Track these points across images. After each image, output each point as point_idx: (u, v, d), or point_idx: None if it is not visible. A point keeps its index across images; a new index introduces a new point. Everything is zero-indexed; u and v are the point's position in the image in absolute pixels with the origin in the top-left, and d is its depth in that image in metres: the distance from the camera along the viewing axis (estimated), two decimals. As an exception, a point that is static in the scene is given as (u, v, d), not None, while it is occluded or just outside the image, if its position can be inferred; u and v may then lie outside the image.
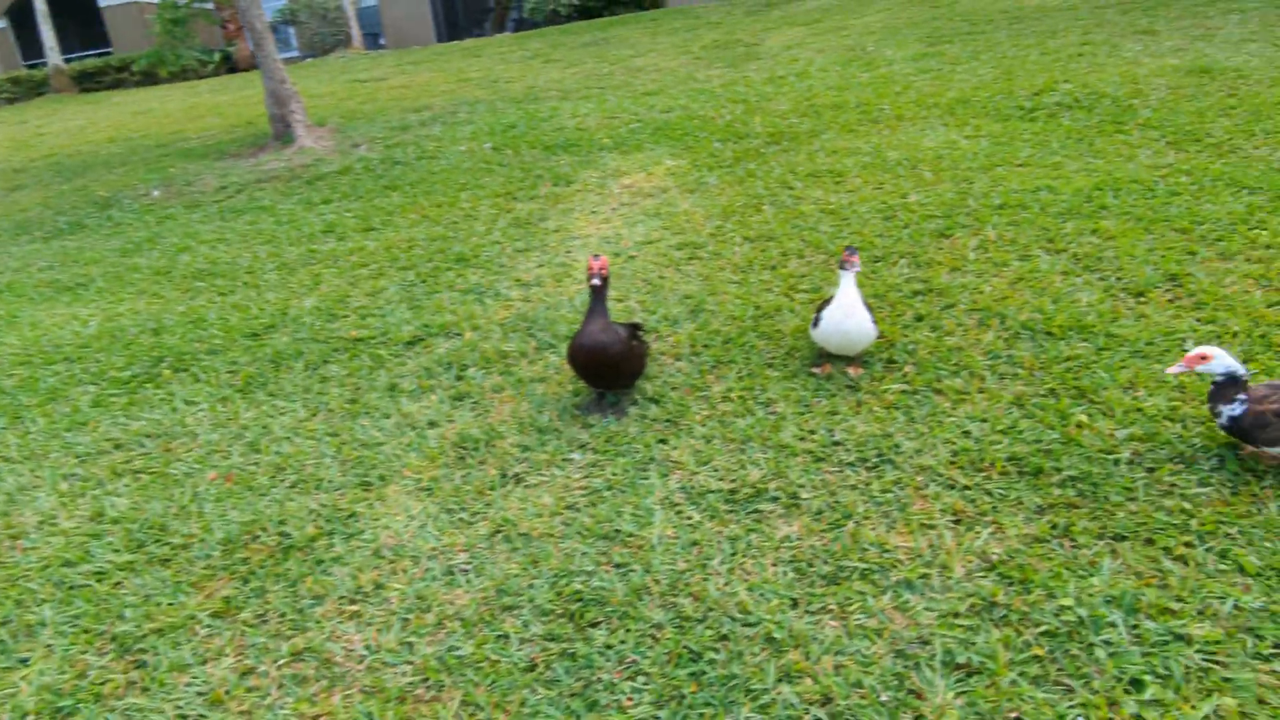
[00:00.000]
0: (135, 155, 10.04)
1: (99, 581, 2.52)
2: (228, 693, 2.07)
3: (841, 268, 2.89)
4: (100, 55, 23.89)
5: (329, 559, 2.48)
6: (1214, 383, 2.27)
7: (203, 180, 7.93)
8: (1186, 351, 2.43)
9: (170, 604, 2.37)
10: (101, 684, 2.14)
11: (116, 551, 2.63)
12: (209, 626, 2.28)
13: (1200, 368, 2.26)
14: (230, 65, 21.55)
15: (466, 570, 2.38)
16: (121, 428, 3.41)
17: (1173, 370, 2.33)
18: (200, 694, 2.08)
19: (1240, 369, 2.23)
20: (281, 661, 2.14)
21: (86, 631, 2.31)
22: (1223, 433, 2.35)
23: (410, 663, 2.09)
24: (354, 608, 2.29)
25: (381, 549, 2.50)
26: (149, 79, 20.69)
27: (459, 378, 3.45)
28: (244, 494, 2.85)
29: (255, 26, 8.42)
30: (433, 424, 3.14)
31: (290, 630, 2.23)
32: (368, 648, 2.15)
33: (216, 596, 2.38)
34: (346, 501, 2.74)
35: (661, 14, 16.68)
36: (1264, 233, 3.51)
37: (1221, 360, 2.22)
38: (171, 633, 2.27)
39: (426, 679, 2.04)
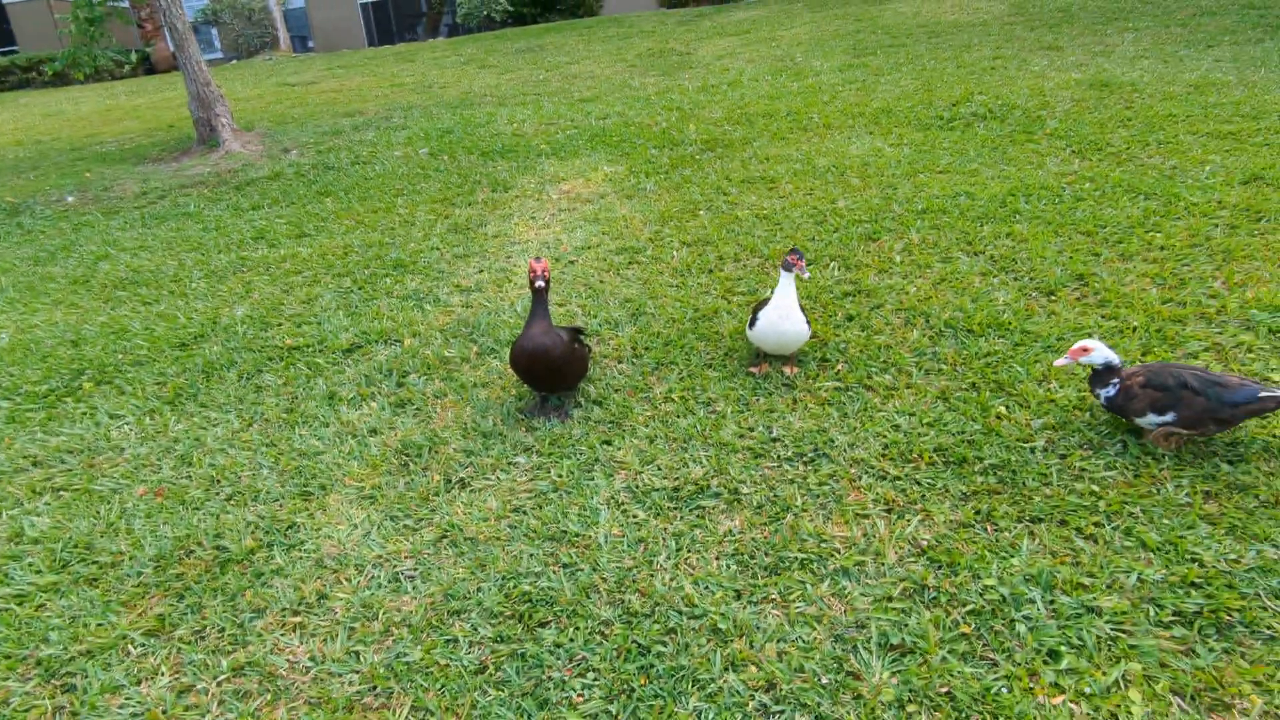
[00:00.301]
0: (46, 160, 9.52)
1: (19, 604, 2.40)
2: (164, 712, 2.01)
3: (784, 268, 2.95)
4: (5, 54, 22.53)
5: (269, 571, 2.43)
6: (1094, 370, 2.51)
7: (121, 185, 7.59)
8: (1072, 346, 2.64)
9: (99, 624, 2.29)
10: (26, 711, 2.05)
11: (39, 573, 2.52)
12: (142, 646, 2.21)
13: (1083, 359, 2.49)
14: (148, 66, 20.63)
15: (413, 577, 2.37)
16: (39, 444, 3.25)
17: (1059, 363, 2.56)
18: (134, 715, 2.01)
19: (1116, 359, 2.47)
20: (222, 677, 2.09)
21: (8, 657, 2.21)
22: (1105, 411, 2.60)
23: (357, 671, 2.08)
24: (297, 619, 2.25)
25: (324, 559, 2.47)
26: (60, 79, 19.61)
27: (400, 384, 3.42)
28: (176, 508, 2.76)
29: (176, 27, 8.12)
30: (374, 431, 3.10)
31: (230, 645, 2.19)
32: (313, 659, 2.12)
33: (149, 614, 2.31)
34: (286, 512, 2.69)
35: (595, 22, 16.77)
36: (1159, 235, 3.79)
37: (1100, 352, 2.47)
38: (102, 654, 2.19)
39: (374, 687, 2.03)
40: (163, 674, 2.11)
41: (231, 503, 2.77)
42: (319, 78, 14.03)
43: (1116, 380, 2.46)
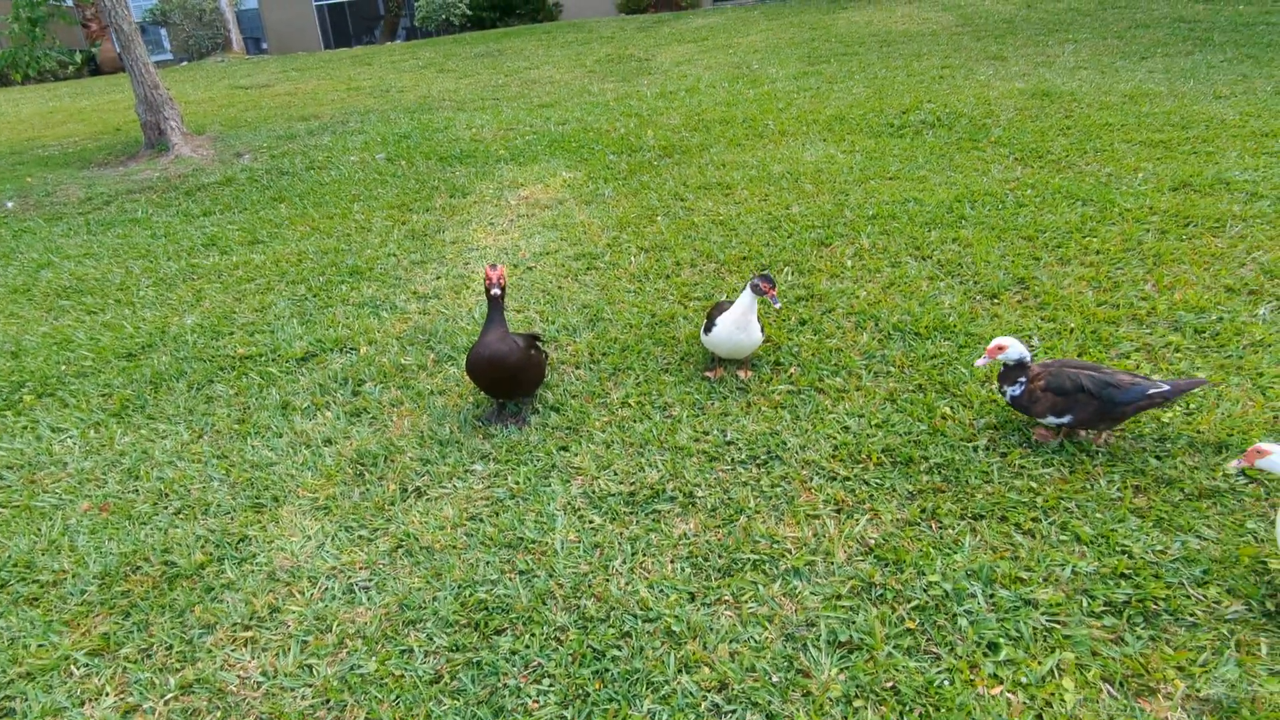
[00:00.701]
0: (-18, 164, 9.18)
1: (-44, 627, 2.33)
2: (110, 732, 1.97)
3: (752, 290, 2.93)
4: (-65, 53, 21.61)
5: (220, 586, 2.40)
6: (1005, 366, 2.61)
7: (65, 190, 7.36)
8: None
9: (40, 645, 2.23)
10: (-37, 736, 1.99)
11: (-24, 593, 2.44)
12: (86, 666, 2.16)
13: (1000, 356, 2.60)
14: (94, 67, 20.01)
15: (367, 587, 2.36)
16: (-24, 461, 3.15)
17: (979, 363, 2.66)
18: (79, 736, 1.97)
19: (1028, 355, 2.59)
20: (169, 696, 2.05)
21: (-57, 681, 2.14)
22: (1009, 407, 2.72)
23: (310, 685, 2.06)
24: (248, 634, 2.23)
25: (277, 572, 2.44)
26: (-4, 80, 18.91)
27: (355, 393, 3.39)
28: (122, 524, 2.70)
29: (122, 28, 7.92)
30: (329, 441, 3.08)
31: (178, 663, 2.15)
32: (264, 673, 2.10)
33: (94, 634, 2.26)
34: (237, 525, 2.65)
35: (555, 27, 16.77)
36: (1095, 240, 3.95)
37: (1015, 349, 2.58)
38: (43, 676, 2.13)
39: (328, 700, 2.02)
40: (107, 694, 2.07)
41: (180, 517, 2.73)
42: (273, 80, 13.77)
43: (1023, 379, 2.57)
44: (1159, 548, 2.20)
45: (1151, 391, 2.42)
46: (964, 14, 11.44)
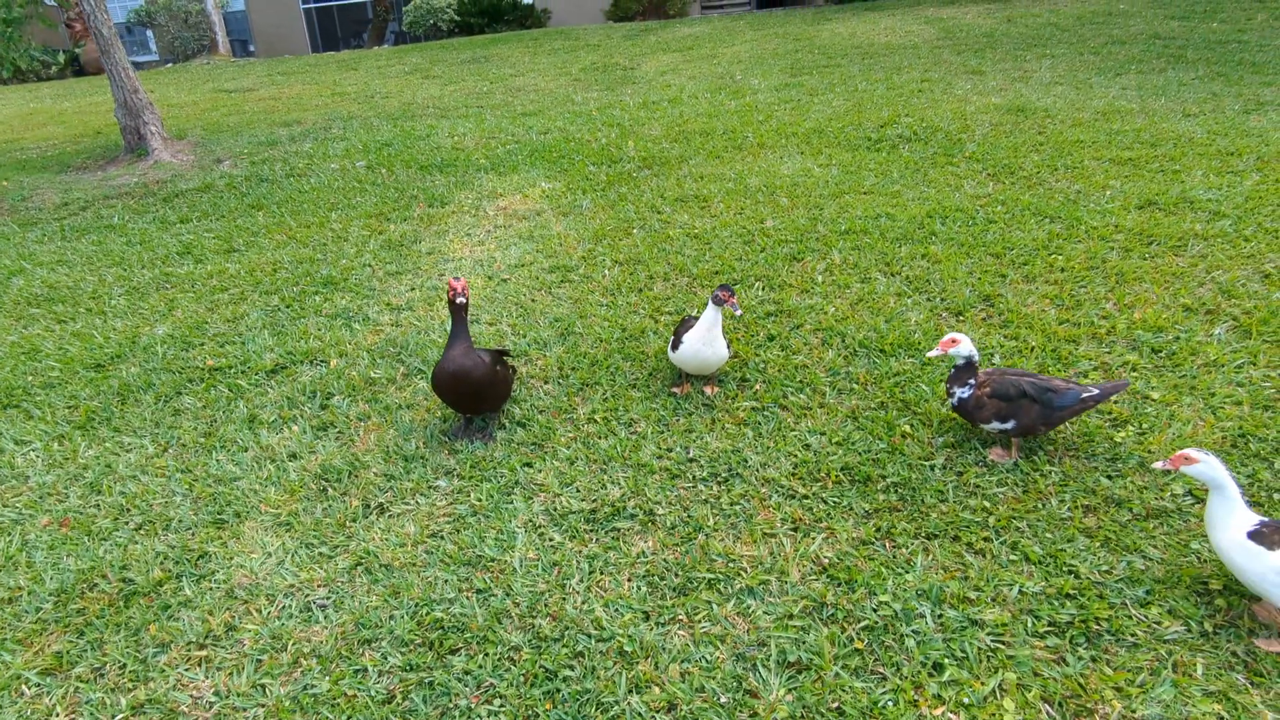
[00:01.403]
0: (-42, 167, 9.10)
1: (-92, 645, 2.32)
2: (59, 753, 1.97)
3: (714, 302, 2.97)
4: (-84, 51, 21.40)
5: (176, 603, 2.40)
6: (955, 366, 2.70)
7: (41, 195, 7.32)
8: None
9: (-7, 663, 2.22)
10: (-90, 757, 1.98)
11: (-71, 611, 2.43)
12: (37, 685, 2.15)
13: (952, 350, 2.67)
14: (77, 68, 19.87)
15: (325, 606, 2.36)
16: (-63, 474, 3.13)
17: (932, 353, 2.73)
18: (27, 757, 1.97)
19: (976, 356, 2.68)
20: (120, 716, 2.05)
21: (-108, 701, 2.13)
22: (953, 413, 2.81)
23: (263, 705, 2.06)
24: (203, 653, 2.23)
25: (235, 589, 2.44)
26: (-23, 80, 18.72)
27: (323, 407, 3.40)
28: (82, 539, 2.70)
29: (102, 33, 7.88)
30: (294, 456, 3.08)
31: (131, 682, 2.15)
32: (217, 693, 2.10)
33: (47, 652, 2.25)
34: (198, 541, 2.65)
35: (542, 34, 16.81)
36: (1060, 257, 4.01)
37: (966, 345, 2.66)
38: (-6, 694, 2.13)
39: None
40: (58, 714, 2.06)
41: (141, 532, 2.72)
42: (258, 84, 13.73)
43: (972, 381, 2.66)
44: (1105, 567, 2.24)
45: (1084, 395, 2.55)
46: (945, 28, 11.56)
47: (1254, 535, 1.93)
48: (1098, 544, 2.33)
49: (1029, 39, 10.03)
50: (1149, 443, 2.70)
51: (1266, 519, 1.97)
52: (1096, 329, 3.38)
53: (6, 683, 2.15)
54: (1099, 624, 2.07)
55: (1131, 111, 6.33)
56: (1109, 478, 2.57)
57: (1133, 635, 2.04)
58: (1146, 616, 2.09)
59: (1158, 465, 2.10)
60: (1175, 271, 3.79)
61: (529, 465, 2.91)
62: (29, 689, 2.14)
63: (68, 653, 2.24)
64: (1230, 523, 1.97)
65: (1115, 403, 2.91)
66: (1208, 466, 2.00)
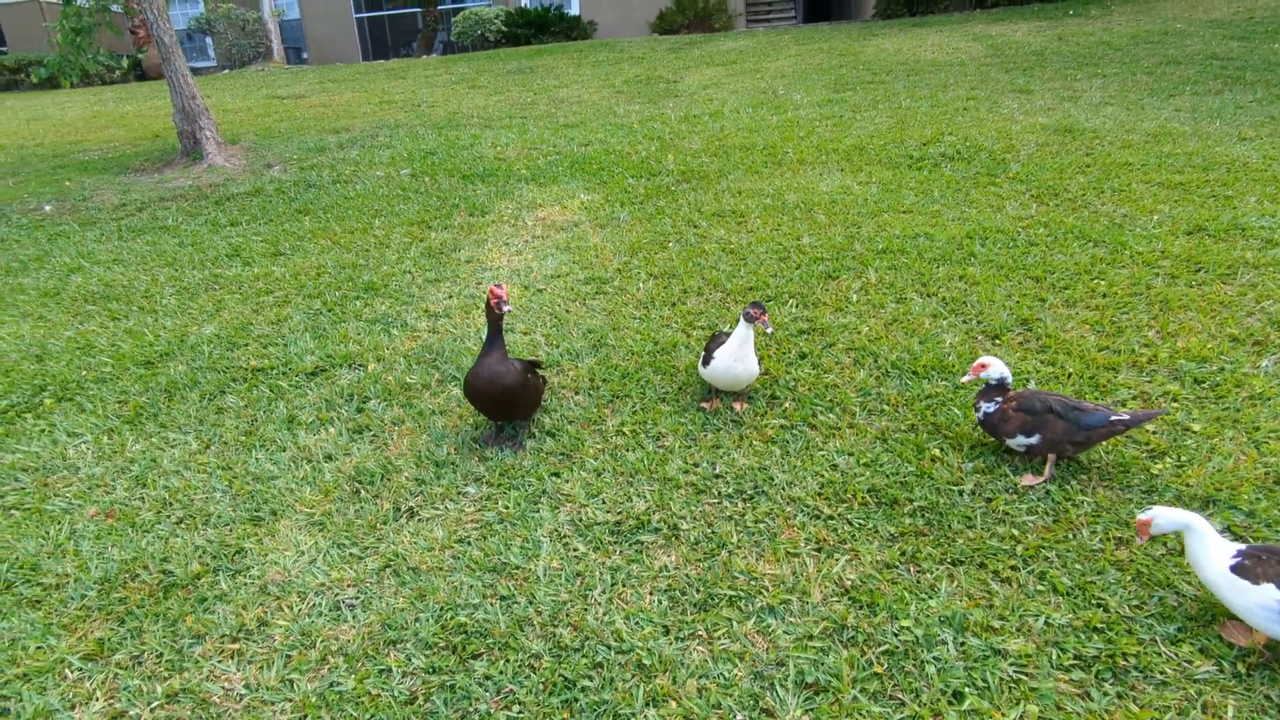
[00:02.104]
0: (27, 166, 9.55)
1: (-37, 624, 2.44)
2: (98, 735, 2.05)
3: (745, 319, 2.98)
4: (-7, 55, 22.50)
5: (213, 596, 2.48)
6: (986, 384, 2.73)
7: (101, 195, 7.63)
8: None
9: (38, 647, 2.32)
10: (-40, 732, 2.08)
11: (-16, 592, 2.55)
12: (79, 670, 2.25)
13: (983, 374, 2.72)
14: (139, 72, 20.69)
15: (353, 605, 2.42)
16: (-4, 461, 3.29)
17: (965, 379, 2.77)
18: (68, 738, 2.05)
19: (1009, 377, 2.71)
20: (155, 703, 2.13)
21: (-54, 677, 2.24)
22: (980, 428, 2.85)
23: (290, 700, 2.13)
24: (235, 646, 2.30)
25: (268, 585, 2.52)
26: (48, 82, 19.62)
27: (359, 410, 3.48)
28: (126, 530, 2.81)
29: (164, 40, 8.21)
30: (329, 457, 3.16)
31: (167, 671, 2.23)
32: (247, 686, 2.17)
33: (90, 638, 2.35)
34: (235, 537, 2.74)
35: (588, 45, 17.02)
36: (1102, 282, 3.93)
37: (997, 368, 2.71)
38: (38, 677, 2.23)
39: (305, 715, 2.08)
40: (97, 699, 2.15)
41: (182, 526, 2.82)
42: (309, 91, 14.14)
43: (1000, 399, 2.68)
44: (1135, 602, 2.19)
45: (1114, 419, 2.54)
46: (994, 45, 11.42)
47: (1236, 569, 1.93)
48: (1129, 577, 2.28)
49: (1080, 58, 9.85)
50: (1187, 475, 2.63)
51: (1244, 547, 1.97)
52: (1137, 357, 3.31)
53: (51, 665, 2.25)
54: (1126, 659, 2.03)
55: (1184, 134, 6.18)
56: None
57: (1161, 673, 1.99)
58: (1177, 654, 2.04)
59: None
60: (1223, 300, 3.69)
61: (556, 475, 2.95)
62: (71, 673, 2.24)
63: (109, 640, 2.34)
64: (1210, 556, 1.98)
65: (1153, 433, 2.84)
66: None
